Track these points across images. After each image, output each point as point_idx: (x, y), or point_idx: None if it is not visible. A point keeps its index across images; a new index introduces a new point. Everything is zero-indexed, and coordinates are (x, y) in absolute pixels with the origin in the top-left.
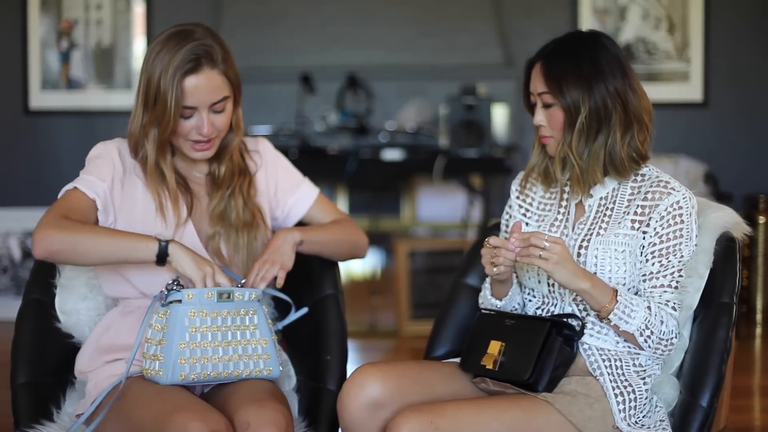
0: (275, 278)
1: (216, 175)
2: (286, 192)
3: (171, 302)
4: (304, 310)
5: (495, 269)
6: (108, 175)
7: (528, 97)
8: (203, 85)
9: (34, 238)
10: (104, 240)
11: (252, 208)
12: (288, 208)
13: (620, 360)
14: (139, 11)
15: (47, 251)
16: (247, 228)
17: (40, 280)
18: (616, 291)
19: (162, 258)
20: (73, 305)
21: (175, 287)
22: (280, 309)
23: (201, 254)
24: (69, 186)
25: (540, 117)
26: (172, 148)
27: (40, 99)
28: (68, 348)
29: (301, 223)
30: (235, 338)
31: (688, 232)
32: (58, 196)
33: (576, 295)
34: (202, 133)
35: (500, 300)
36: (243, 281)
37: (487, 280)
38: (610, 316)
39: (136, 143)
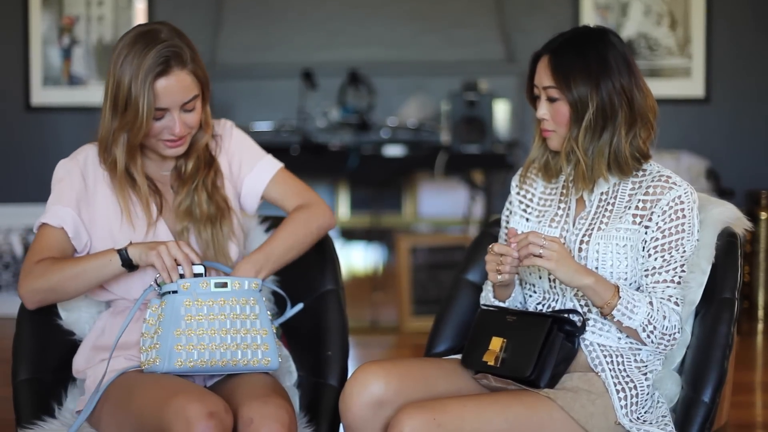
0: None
1: (182, 171)
2: (243, 170)
3: (166, 293)
4: (299, 306)
5: (499, 277)
6: (71, 199)
7: (531, 90)
8: (174, 86)
9: (19, 294)
10: (72, 272)
11: (217, 200)
12: (245, 186)
13: (621, 356)
14: (140, 7)
15: (34, 303)
16: (211, 221)
17: None
18: (618, 287)
19: (128, 263)
20: (74, 302)
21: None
22: (279, 305)
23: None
24: (38, 221)
25: (543, 110)
26: (141, 149)
27: (41, 95)
28: (69, 345)
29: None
30: (234, 327)
31: (690, 227)
32: (34, 230)
33: (577, 291)
34: (174, 132)
35: (503, 302)
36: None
37: (488, 281)
38: (614, 312)
39: (106, 149)
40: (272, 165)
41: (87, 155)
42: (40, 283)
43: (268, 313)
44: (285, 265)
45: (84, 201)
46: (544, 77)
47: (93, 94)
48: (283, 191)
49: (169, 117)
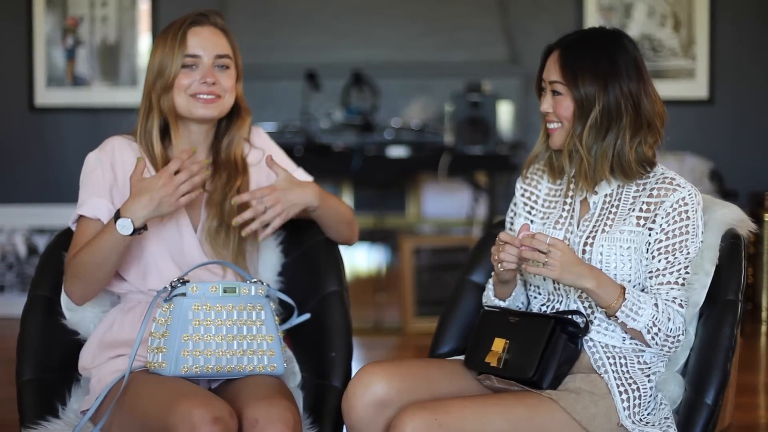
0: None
1: (218, 155)
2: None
3: (175, 296)
4: (306, 316)
5: (500, 266)
6: (104, 189)
7: (540, 83)
8: (208, 35)
9: (66, 292)
10: (90, 256)
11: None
12: None
13: (625, 357)
14: (144, 8)
15: (80, 299)
16: (236, 228)
17: (45, 277)
18: (624, 288)
19: (128, 227)
20: None
21: (179, 284)
22: (284, 306)
23: (193, 237)
24: (75, 213)
25: (547, 104)
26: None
27: (45, 96)
28: (73, 344)
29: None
30: (241, 333)
31: (694, 228)
32: (70, 224)
33: (582, 292)
34: (206, 80)
35: (503, 301)
36: (254, 280)
37: (491, 280)
38: (618, 314)
39: (141, 130)
40: (306, 176)
41: (114, 146)
42: (72, 280)
43: (275, 317)
44: (316, 221)
45: (115, 189)
46: (552, 71)
47: (97, 94)
48: None
49: (202, 67)
